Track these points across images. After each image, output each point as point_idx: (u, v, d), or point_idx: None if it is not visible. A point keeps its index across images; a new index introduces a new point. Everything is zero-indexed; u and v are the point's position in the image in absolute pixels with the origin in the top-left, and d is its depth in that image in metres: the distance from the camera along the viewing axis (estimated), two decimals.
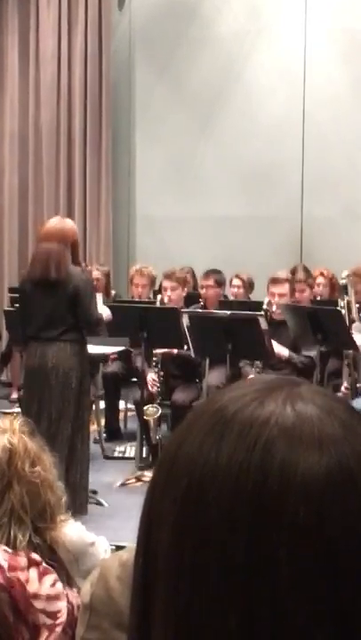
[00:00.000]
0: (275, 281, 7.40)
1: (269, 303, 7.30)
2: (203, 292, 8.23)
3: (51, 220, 6.15)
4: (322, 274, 8.85)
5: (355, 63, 10.49)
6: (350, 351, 6.80)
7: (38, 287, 5.74)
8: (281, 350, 7.15)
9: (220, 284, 8.37)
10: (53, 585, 2.22)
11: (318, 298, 8.63)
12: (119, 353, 7.66)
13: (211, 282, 8.21)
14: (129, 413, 8.62)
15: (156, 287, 8.45)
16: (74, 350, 5.75)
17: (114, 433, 8.28)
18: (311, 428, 0.69)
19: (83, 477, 5.85)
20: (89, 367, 6.10)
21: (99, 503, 6.32)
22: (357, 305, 7.17)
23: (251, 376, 6.98)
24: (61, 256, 5.72)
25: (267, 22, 10.81)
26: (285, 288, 7.35)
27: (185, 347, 7.03)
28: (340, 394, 6.89)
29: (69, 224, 5.96)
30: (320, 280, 8.80)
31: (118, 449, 7.91)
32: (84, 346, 5.91)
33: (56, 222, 5.95)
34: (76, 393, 5.74)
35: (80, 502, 5.60)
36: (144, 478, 6.77)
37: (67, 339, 5.74)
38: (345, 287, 7.16)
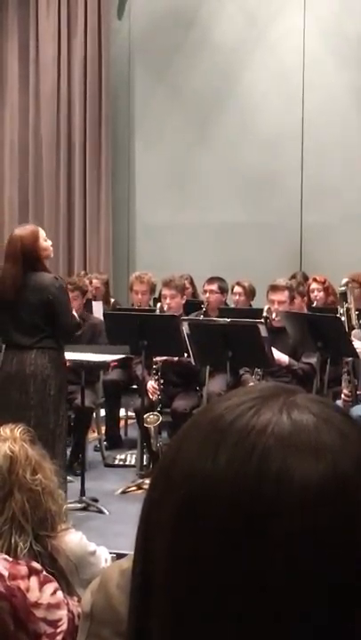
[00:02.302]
0: (274, 288, 7.41)
1: (269, 310, 7.30)
2: (205, 296, 8.26)
3: (18, 228, 6.07)
4: (315, 280, 8.85)
5: (353, 70, 10.51)
6: (350, 358, 6.79)
7: (13, 295, 5.73)
8: (281, 357, 7.15)
9: (224, 290, 8.41)
10: (54, 593, 2.22)
11: (314, 304, 8.63)
12: (119, 361, 7.65)
13: (214, 287, 8.25)
14: (129, 421, 8.62)
15: (157, 294, 8.46)
16: (51, 357, 5.75)
17: (114, 441, 8.27)
18: (308, 436, 0.69)
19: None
20: (65, 375, 6.07)
21: (100, 511, 6.31)
22: (357, 312, 7.16)
23: (251, 383, 6.98)
24: (34, 263, 5.71)
25: (265, 29, 10.83)
26: (285, 295, 7.35)
27: (185, 354, 7.03)
28: (340, 401, 6.89)
29: (29, 229, 5.89)
30: (314, 286, 8.80)
31: (119, 457, 7.90)
32: (61, 353, 5.90)
33: (21, 230, 5.88)
34: (55, 400, 5.74)
35: None
36: (145, 486, 6.75)
37: (44, 346, 5.73)
38: (344, 294, 7.16)
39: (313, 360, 7.11)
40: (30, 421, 5.54)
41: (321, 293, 8.66)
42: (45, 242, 5.86)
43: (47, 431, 5.64)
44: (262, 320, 7.05)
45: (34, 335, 5.72)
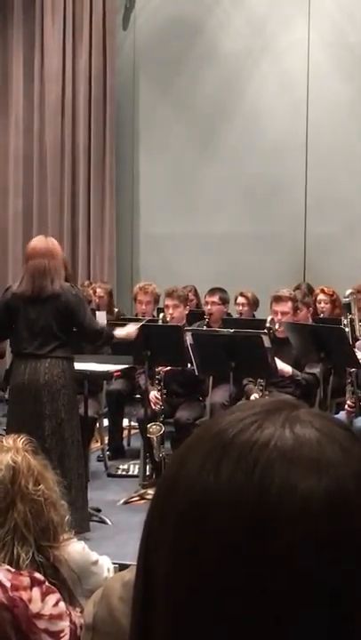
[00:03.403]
0: (278, 299, 7.41)
1: (272, 321, 7.30)
2: (207, 307, 8.26)
3: (36, 238, 6.05)
4: (323, 291, 8.84)
5: (357, 81, 10.52)
6: (353, 369, 6.79)
7: (29, 303, 5.69)
8: (284, 368, 7.15)
9: (225, 301, 8.40)
10: (56, 604, 2.22)
11: (321, 315, 8.63)
12: (123, 371, 7.65)
13: (215, 298, 8.25)
14: (132, 431, 8.61)
15: (160, 305, 8.46)
16: (64, 367, 5.72)
17: (117, 451, 8.26)
18: (310, 451, 0.69)
19: (80, 495, 5.78)
20: (76, 385, 6.05)
21: (102, 521, 6.31)
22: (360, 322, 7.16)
23: (254, 394, 6.98)
24: (57, 270, 5.71)
25: (269, 40, 10.86)
26: (288, 306, 7.35)
27: (188, 365, 7.03)
28: (343, 412, 6.89)
29: (56, 243, 5.92)
30: (321, 297, 8.80)
31: (122, 467, 7.89)
32: (72, 362, 5.88)
33: (44, 240, 5.90)
34: (68, 410, 5.72)
35: (82, 519, 5.57)
36: (147, 496, 6.75)
37: (57, 355, 5.71)
38: (348, 305, 7.16)
39: (316, 370, 7.11)
40: (45, 431, 5.55)
41: (328, 305, 8.66)
42: None
43: (62, 441, 5.63)
44: (265, 330, 7.05)
45: (47, 344, 5.69)
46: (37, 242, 5.88)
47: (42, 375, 5.63)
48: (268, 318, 7.42)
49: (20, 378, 5.71)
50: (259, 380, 7.11)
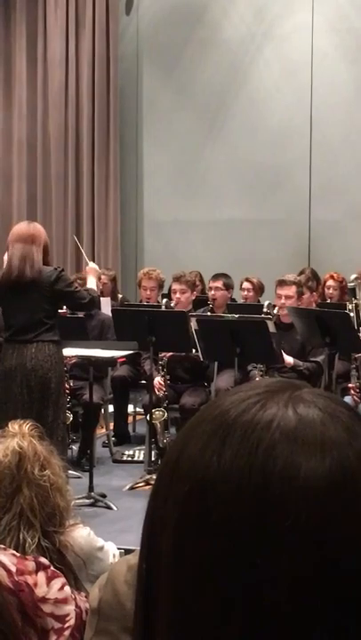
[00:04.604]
0: (281, 283, 7.41)
1: (270, 306, 7.30)
2: (211, 293, 8.24)
3: (19, 224, 6.11)
4: (332, 277, 8.83)
5: None
6: (359, 354, 6.79)
7: (11, 289, 5.74)
8: (286, 358, 7.15)
9: (229, 287, 8.37)
10: (62, 589, 2.23)
11: (328, 301, 8.62)
12: (127, 357, 7.66)
13: (219, 284, 8.22)
14: (138, 417, 8.63)
15: (165, 290, 8.46)
16: (51, 351, 5.77)
17: (123, 437, 8.28)
18: (314, 431, 0.69)
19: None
20: (64, 368, 6.12)
21: (108, 507, 6.32)
22: None
23: (257, 379, 6.98)
24: (36, 257, 5.74)
25: (273, 25, 10.82)
26: (292, 290, 7.35)
27: (193, 350, 7.03)
28: (348, 396, 6.89)
29: (39, 227, 5.95)
30: (330, 283, 8.79)
31: (127, 453, 7.91)
32: (60, 346, 5.93)
33: (27, 226, 5.95)
34: (55, 393, 5.76)
35: None
36: (153, 482, 6.75)
37: (43, 339, 5.76)
38: (353, 290, 7.16)
39: (320, 358, 7.11)
40: (33, 415, 5.57)
41: (337, 291, 8.65)
42: None
43: (46, 424, 5.65)
44: (270, 316, 7.04)
45: (33, 330, 5.75)
46: (18, 227, 5.95)
47: (28, 360, 5.70)
48: (266, 303, 7.43)
49: (7, 362, 5.79)
50: (258, 365, 7.12)
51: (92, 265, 6.64)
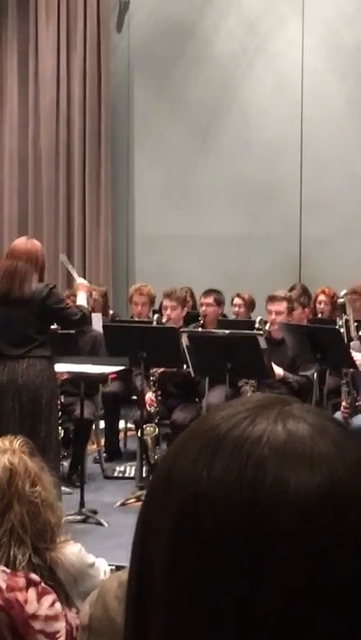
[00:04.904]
0: (272, 299, 7.43)
1: (261, 322, 7.32)
2: (202, 309, 8.23)
3: (18, 239, 6.13)
4: (323, 292, 8.85)
5: (352, 81, 10.54)
6: (349, 370, 6.79)
7: (5, 305, 5.74)
8: (276, 370, 7.16)
9: (220, 303, 8.38)
10: (52, 605, 2.22)
11: (319, 316, 8.63)
12: (119, 372, 7.65)
13: (210, 300, 8.22)
14: (129, 433, 8.61)
15: (156, 306, 8.46)
16: (42, 366, 5.76)
17: (114, 453, 8.27)
18: (303, 446, 0.69)
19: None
20: (57, 384, 6.11)
21: (99, 523, 6.30)
22: (355, 323, 7.17)
23: (248, 394, 6.98)
24: (27, 274, 5.74)
25: (264, 41, 10.87)
26: (283, 306, 7.37)
27: (184, 366, 7.03)
28: (339, 412, 6.89)
29: (37, 245, 5.96)
30: (322, 298, 8.81)
31: (118, 469, 7.89)
32: (52, 362, 5.92)
33: (25, 242, 5.96)
34: (47, 409, 5.75)
35: None
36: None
37: (35, 355, 5.75)
38: (343, 305, 7.17)
39: (310, 372, 7.12)
40: (25, 431, 5.56)
41: (328, 307, 8.67)
42: None
43: (38, 440, 5.63)
44: (261, 332, 7.05)
45: (24, 345, 5.74)
46: (17, 243, 5.97)
47: (20, 376, 5.69)
48: (258, 319, 7.44)
49: None
50: (250, 381, 7.12)
51: (80, 280, 6.64)
